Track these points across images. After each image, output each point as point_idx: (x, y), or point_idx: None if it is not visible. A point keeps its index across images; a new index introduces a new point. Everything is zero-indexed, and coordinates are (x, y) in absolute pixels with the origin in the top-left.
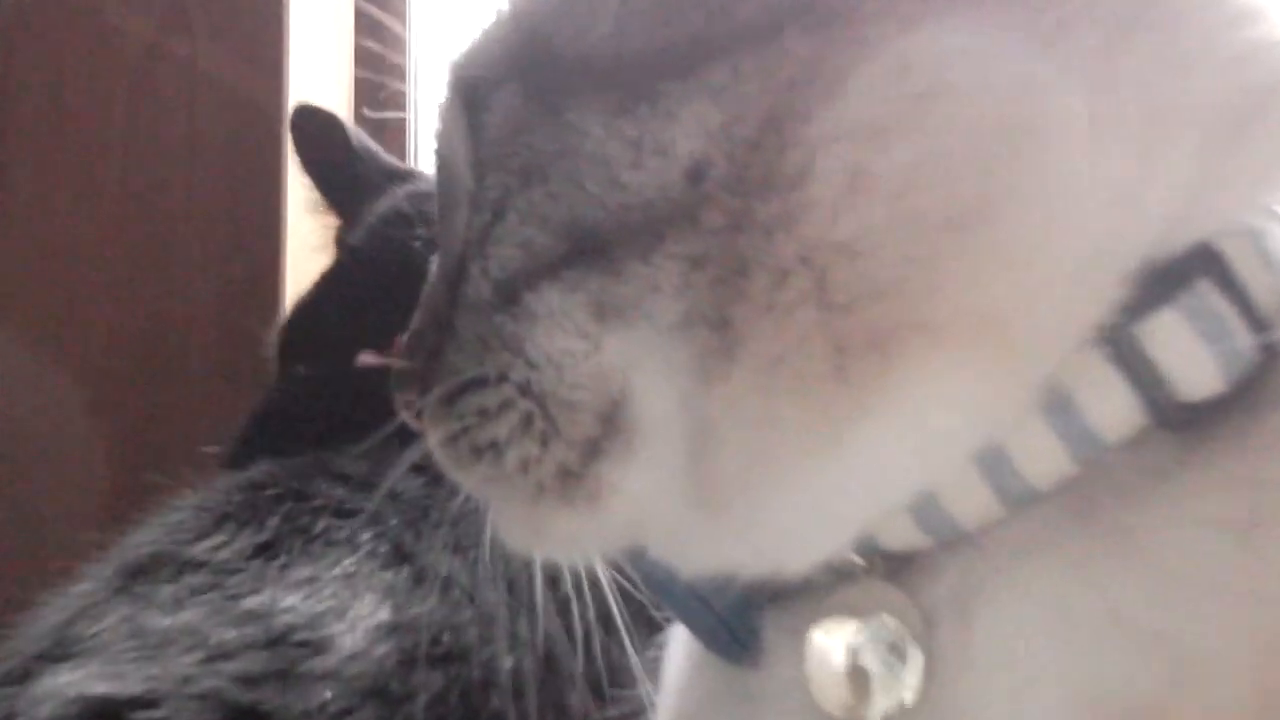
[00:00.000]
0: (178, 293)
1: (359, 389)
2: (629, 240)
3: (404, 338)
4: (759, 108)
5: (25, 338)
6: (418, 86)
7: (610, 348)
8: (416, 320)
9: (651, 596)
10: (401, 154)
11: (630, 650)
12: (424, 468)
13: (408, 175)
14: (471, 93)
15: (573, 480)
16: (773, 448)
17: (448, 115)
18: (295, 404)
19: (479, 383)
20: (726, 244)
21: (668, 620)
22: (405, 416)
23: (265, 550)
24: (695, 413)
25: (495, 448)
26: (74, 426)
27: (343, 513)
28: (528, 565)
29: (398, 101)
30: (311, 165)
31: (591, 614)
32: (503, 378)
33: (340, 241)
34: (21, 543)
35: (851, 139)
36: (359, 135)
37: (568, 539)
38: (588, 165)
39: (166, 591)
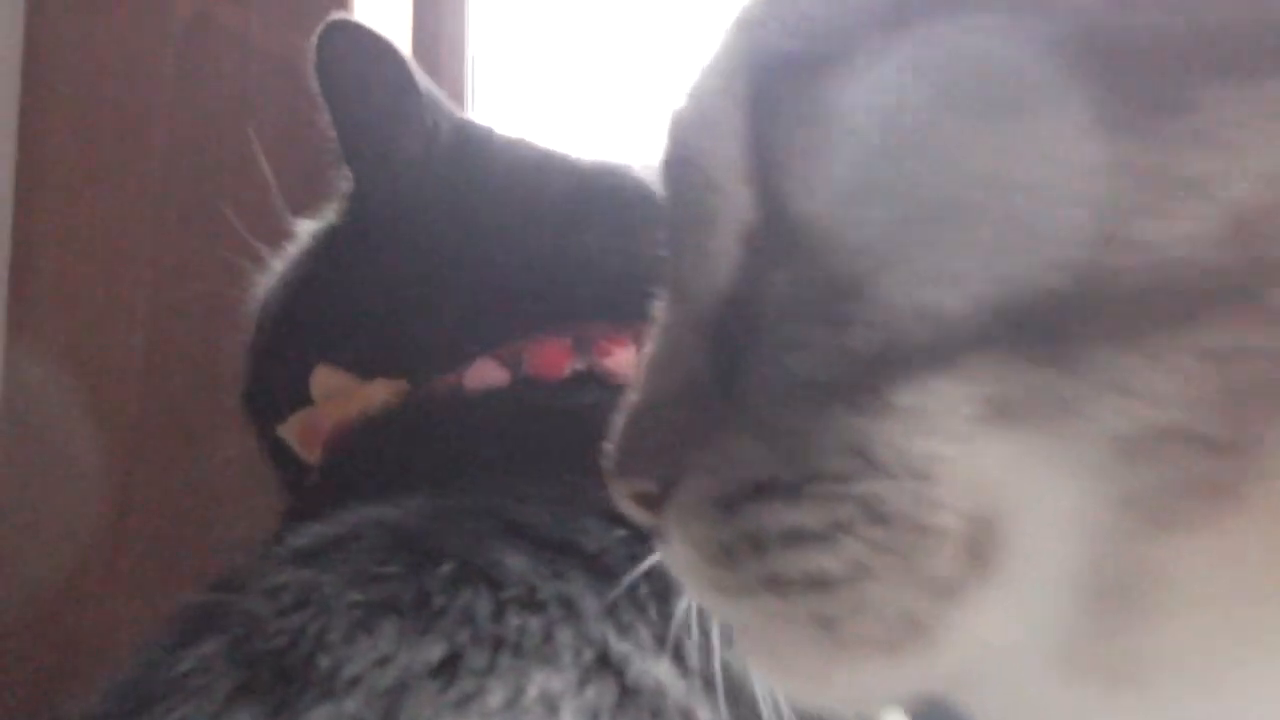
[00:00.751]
0: (229, 284)
1: (487, 410)
2: (1105, 318)
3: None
4: None
5: (62, 331)
6: (476, 66)
7: (993, 455)
8: (650, 382)
9: None
10: None
11: None
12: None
13: (486, 135)
14: (784, 71)
15: (914, 629)
16: (1264, 621)
17: (714, 99)
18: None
19: (789, 489)
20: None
21: None
22: (628, 509)
23: (444, 668)
24: (1118, 556)
25: (814, 584)
26: (113, 436)
27: (533, 604)
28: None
29: (457, 78)
30: (342, 98)
31: None
32: (838, 489)
33: (383, 206)
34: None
35: None
36: (424, 76)
37: (868, 689)
38: (1052, 201)
39: (319, 717)
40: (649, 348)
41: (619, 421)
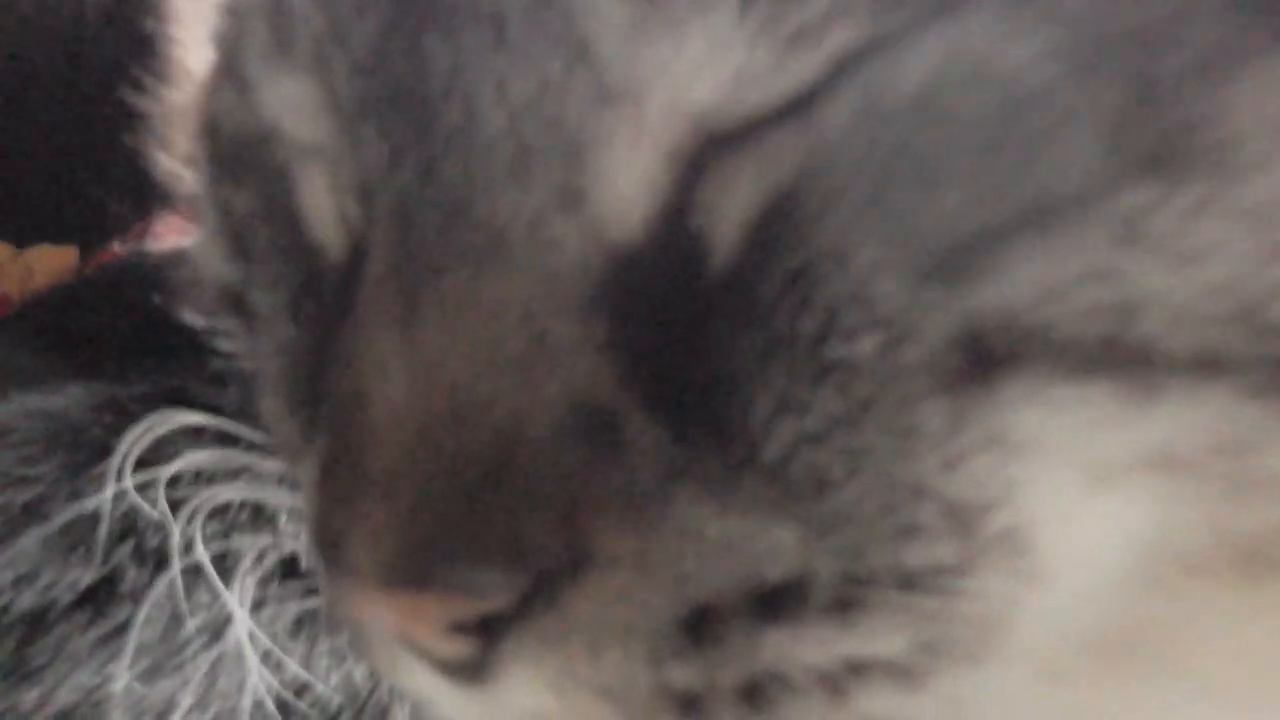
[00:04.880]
0: None
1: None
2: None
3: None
4: None
5: None
6: None
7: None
8: (450, 417)
9: None
10: None
11: None
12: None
13: None
14: None
15: None
16: None
17: None
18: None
19: (840, 596)
20: None
21: None
22: (419, 639)
23: (92, 595)
24: None
25: None
26: None
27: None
28: None
29: None
30: None
31: None
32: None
33: None
34: None
35: None
36: None
37: None
38: None
39: None
40: (389, 345)
41: (365, 496)
